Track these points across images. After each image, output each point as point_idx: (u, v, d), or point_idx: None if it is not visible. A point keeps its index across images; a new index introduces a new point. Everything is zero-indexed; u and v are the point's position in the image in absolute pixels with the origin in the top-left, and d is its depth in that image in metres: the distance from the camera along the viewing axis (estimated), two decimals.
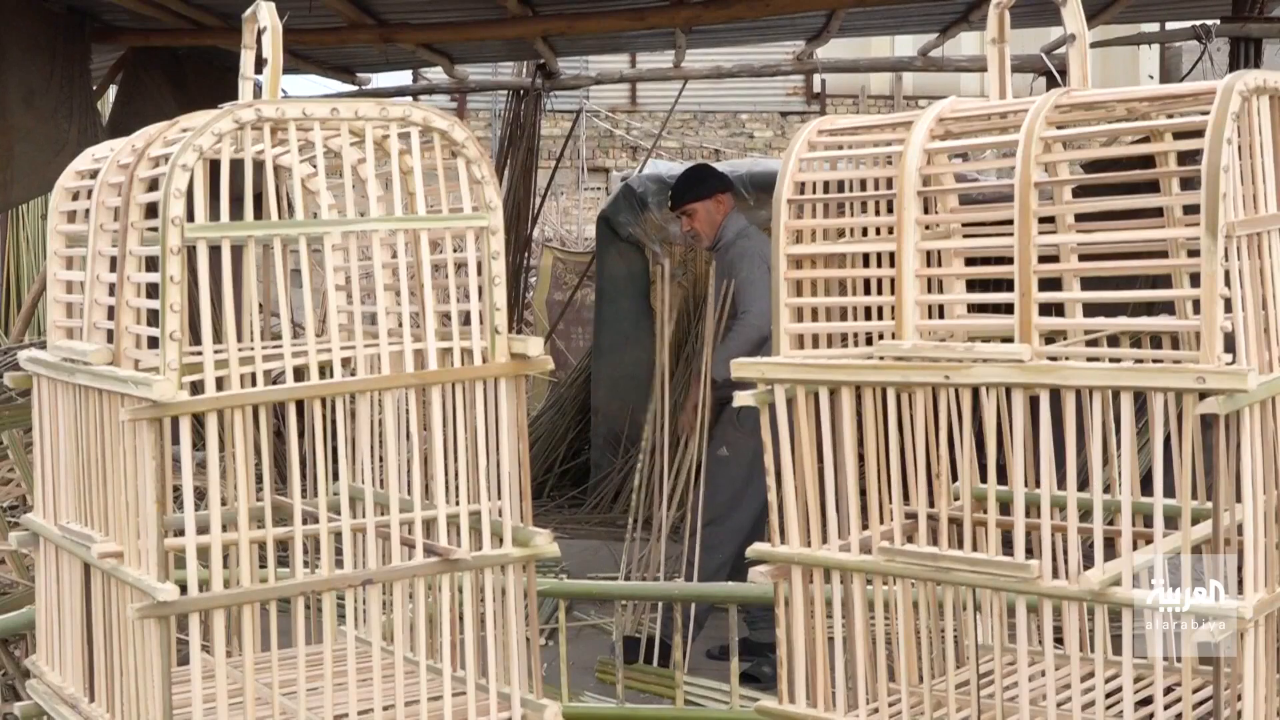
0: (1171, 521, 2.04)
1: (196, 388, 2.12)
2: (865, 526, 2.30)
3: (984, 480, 2.27)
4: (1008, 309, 2.12)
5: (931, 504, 2.25)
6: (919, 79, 17.01)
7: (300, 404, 2.23)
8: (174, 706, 2.14)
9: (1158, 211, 2.28)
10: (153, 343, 2.16)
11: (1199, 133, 1.96)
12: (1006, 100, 2.27)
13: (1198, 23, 6.84)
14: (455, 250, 2.31)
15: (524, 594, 2.34)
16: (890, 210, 2.31)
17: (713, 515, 5.14)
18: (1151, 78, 15.08)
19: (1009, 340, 2.10)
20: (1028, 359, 2.07)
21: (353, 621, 2.24)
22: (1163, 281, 2.27)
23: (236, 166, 2.26)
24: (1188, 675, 2.04)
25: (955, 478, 2.32)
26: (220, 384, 2.15)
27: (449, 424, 2.31)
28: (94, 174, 2.38)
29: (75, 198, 2.47)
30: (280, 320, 2.23)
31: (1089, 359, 2.21)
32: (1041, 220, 2.12)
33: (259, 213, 2.23)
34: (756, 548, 2.37)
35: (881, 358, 2.22)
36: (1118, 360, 2.16)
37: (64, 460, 2.44)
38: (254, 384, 2.16)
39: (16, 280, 10.88)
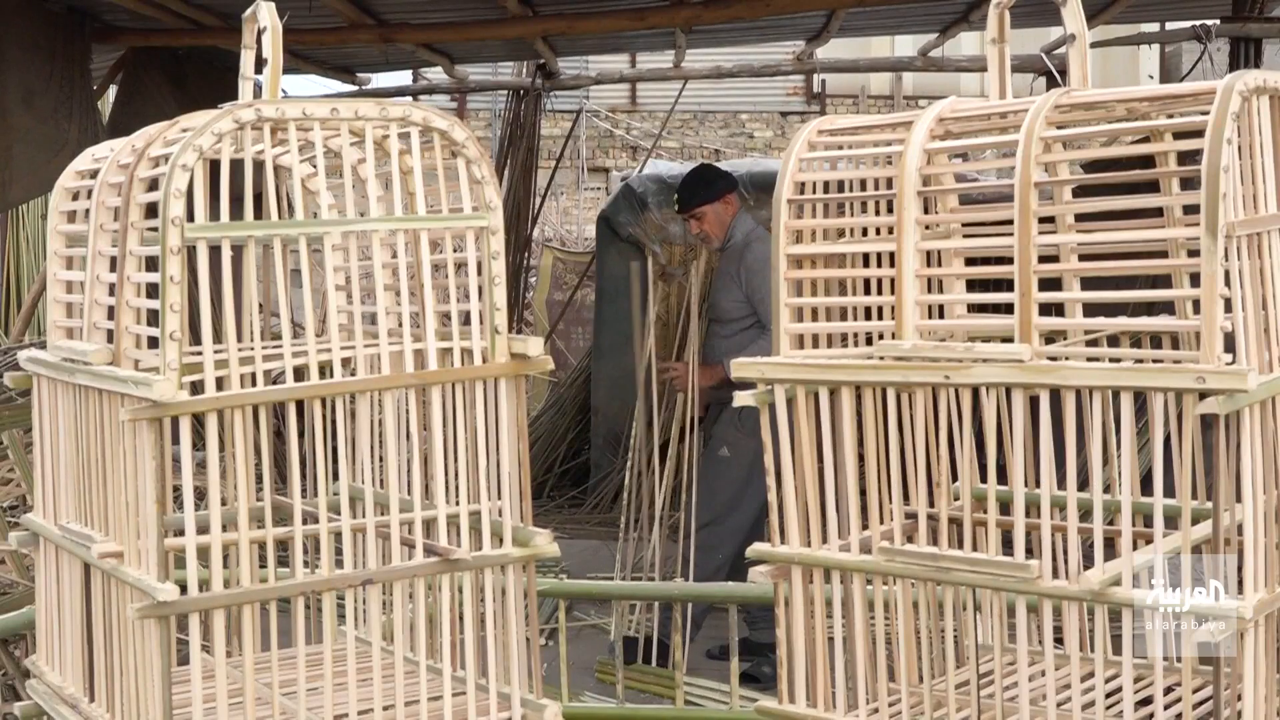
0: (1171, 521, 2.04)
1: (196, 388, 2.12)
2: (865, 526, 2.30)
3: (984, 480, 2.27)
4: (1008, 309, 2.12)
5: (931, 504, 2.25)
6: (919, 79, 17.02)
7: (300, 404, 2.23)
8: (174, 706, 2.14)
9: (1158, 211, 2.28)
10: (153, 343, 2.16)
11: (1199, 133, 1.95)
12: (1006, 100, 2.27)
13: (1198, 23, 6.84)
14: (455, 250, 2.31)
15: (524, 594, 2.34)
16: (890, 210, 2.31)
17: (712, 516, 5.14)
18: (1151, 78, 15.10)
19: (1009, 340, 2.10)
20: (1028, 359, 2.07)
21: (353, 621, 2.24)
22: (1163, 281, 2.27)
23: (236, 166, 2.26)
24: (1188, 675, 2.04)
25: (955, 478, 2.32)
26: (220, 384, 2.15)
27: (449, 424, 2.31)
28: (94, 174, 2.37)
29: (75, 198, 2.47)
30: (280, 320, 2.23)
31: (1089, 359, 2.21)
32: (1041, 220, 2.12)
33: (259, 213, 2.23)
34: (756, 548, 2.37)
35: (881, 358, 2.22)
36: (1118, 360, 2.16)
37: (64, 460, 2.44)
38: (254, 384, 2.16)
39: (16, 280, 10.88)
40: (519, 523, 2.33)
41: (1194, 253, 1.99)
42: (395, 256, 2.28)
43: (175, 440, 2.10)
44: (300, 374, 2.21)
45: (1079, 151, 2.23)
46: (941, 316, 2.36)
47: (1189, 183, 2.06)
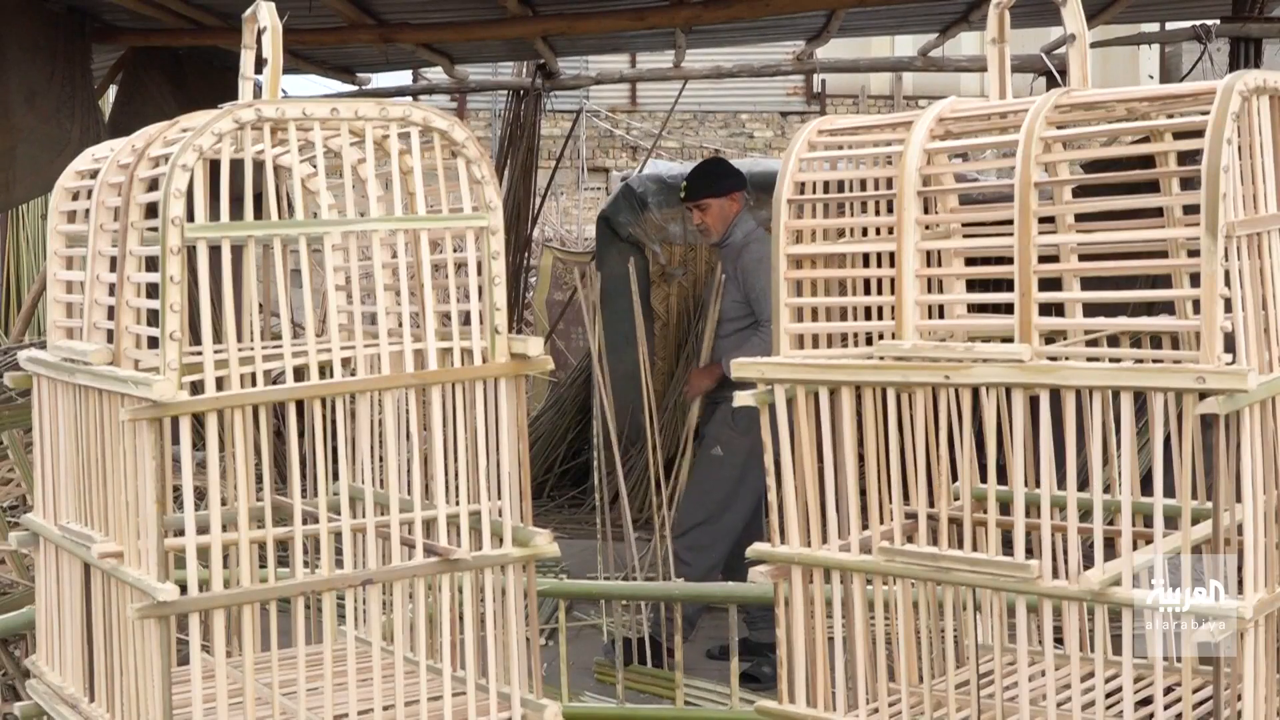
0: (1171, 521, 2.04)
1: (196, 388, 2.12)
2: (865, 526, 2.30)
3: (984, 480, 2.27)
4: (1008, 309, 2.12)
5: (931, 504, 2.25)
6: (919, 79, 17.02)
7: (300, 404, 2.23)
8: (174, 706, 2.14)
9: (1158, 211, 2.28)
10: (153, 343, 2.16)
11: (1199, 133, 1.95)
12: (1006, 100, 2.27)
13: (1198, 23, 6.84)
14: (455, 250, 2.31)
15: (524, 594, 2.34)
16: (890, 210, 2.31)
17: (706, 515, 5.14)
18: (1151, 78, 15.10)
19: (1009, 340, 2.10)
20: (1028, 359, 2.07)
21: (353, 621, 2.24)
22: (1163, 281, 2.27)
23: (236, 166, 2.26)
24: (1188, 675, 2.04)
25: (955, 478, 2.32)
26: (220, 384, 2.15)
27: (449, 424, 2.31)
28: (94, 174, 2.37)
29: (75, 198, 2.47)
30: (280, 320, 2.23)
31: (1089, 359, 2.21)
32: (1041, 220, 2.12)
33: (259, 213, 2.23)
34: (756, 548, 2.37)
35: (881, 358, 2.22)
36: (1118, 360, 2.16)
37: (64, 460, 2.44)
38: (254, 384, 2.16)
39: (16, 280, 10.88)
40: (519, 523, 2.33)
41: (1194, 253, 1.99)
42: (395, 256, 2.28)
43: (175, 440, 2.10)
44: (300, 374, 2.21)
45: (1079, 151, 2.23)
46: (941, 316, 2.36)
47: (1189, 183, 2.06)
